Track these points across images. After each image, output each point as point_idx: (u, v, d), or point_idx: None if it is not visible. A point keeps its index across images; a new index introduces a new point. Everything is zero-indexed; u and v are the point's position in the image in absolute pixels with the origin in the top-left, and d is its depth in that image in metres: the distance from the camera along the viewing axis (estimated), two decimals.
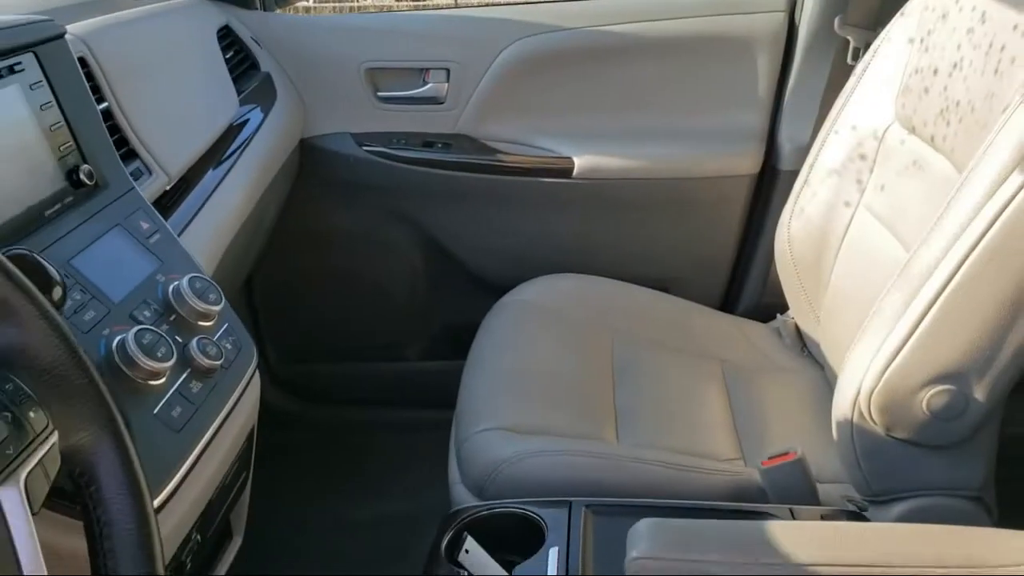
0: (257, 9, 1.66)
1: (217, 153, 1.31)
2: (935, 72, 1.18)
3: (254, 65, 1.57)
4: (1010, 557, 0.65)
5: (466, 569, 0.94)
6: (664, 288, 1.58)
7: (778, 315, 1.52)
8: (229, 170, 1.29)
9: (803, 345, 1.48)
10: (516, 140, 1.64)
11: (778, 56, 1.58)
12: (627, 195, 1.63)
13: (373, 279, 1.78)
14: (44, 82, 0.89)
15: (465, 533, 0.97)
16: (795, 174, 1.41)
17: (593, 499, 1.01)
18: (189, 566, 0.93)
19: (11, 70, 0.85)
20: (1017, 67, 0.98)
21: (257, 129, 1.44)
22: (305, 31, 1.66)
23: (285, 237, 1.66)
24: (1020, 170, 0.90)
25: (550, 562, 0.93)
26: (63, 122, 0.90)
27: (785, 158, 1.59)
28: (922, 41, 1.23)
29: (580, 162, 1.61)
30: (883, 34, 1.32)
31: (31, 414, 0.51)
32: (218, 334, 0.91)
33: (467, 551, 0.96)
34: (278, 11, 1.71)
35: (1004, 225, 0.90)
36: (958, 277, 0.93)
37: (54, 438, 0.52)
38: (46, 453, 0.51)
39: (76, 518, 0.60)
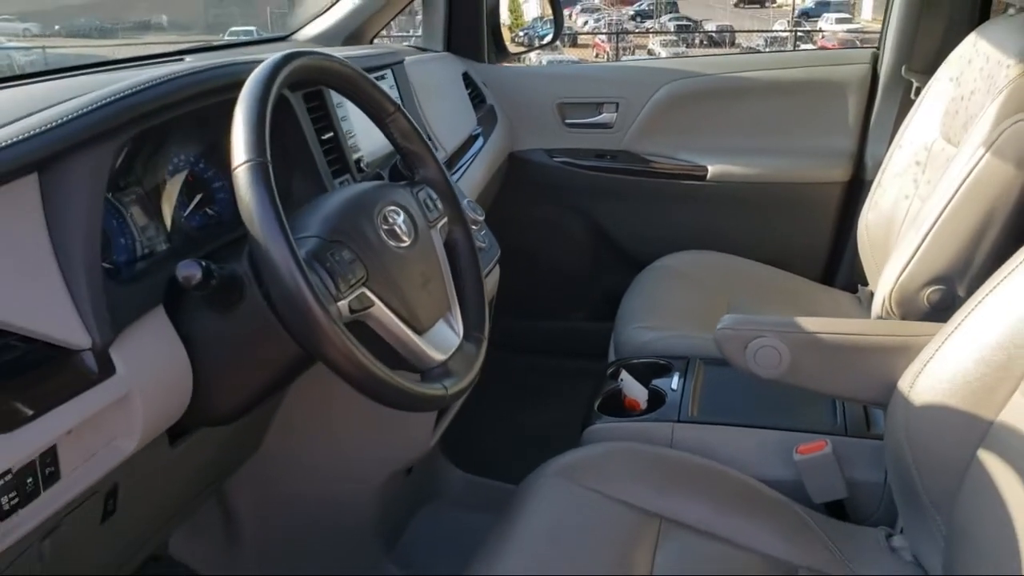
0: (485, 62, 2.35)
1: (462, 152, 1.97)
2: (962, 98, 1.70)
3: (483, 99, 2.25)
4: (931, 330, 1.18)
5: (621, 388, 1.52)
6: (774, 265, 2.11)
7: (859, 286, 2.03)
8: (469, 165, 1.94)
9: None
10: (665, 154, 2.25)
11: (864, 95, 2.13)
12: (747, 194, 2.19)
13: (551, 255, 2.39)
14: (395, 86, 1.57)
15: (621, 368, 1.55)
16: None
17: (707, 356, 1.57)
18: None
19: (381, 77, 1.53)
20: (995, 86, 1.51)
21: (484, 143, 2.10)
22: (517, 77, 2.35)
23: (490, 221, 2.29)
24: (983, 146, 1.42)
25: (673, 380, 1.50)
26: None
27: (869, 171, 2.11)
28: (956, 79, 1.75)
29: (712, 169, 2.20)
30: (934, 76, 1.85)
31: (439, 205, 1.14)
32: (481, 233, 1.54)
33: (621, 380, 1.54)
34: (499, 64, 2.41)
35: (972, 180, 1.42)
36: (944, 214, 1.44)
37: (446, 219, 1.15)
38: (444, 223, 1.14)
39: None
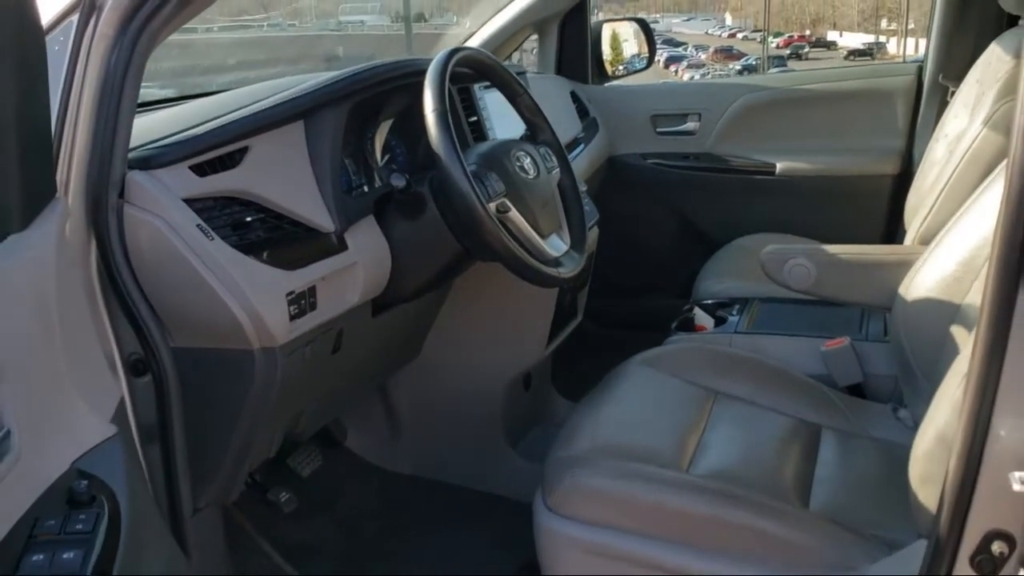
0: (589, 83, 2.83)
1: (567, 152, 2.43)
2: (983, 94, 2.07)
3: (587, 112, 2.72)
4: (922, 249, 1.57)
5: (693, 317, 1.94)
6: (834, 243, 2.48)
7: None
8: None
9: None
10: (740, 155, 2.67)
11: (911, 100, 2.51)
12: (810, 186, 2.58)
13: (644, 242, 2.81)
14: None
15: (695, 305, 1.97)
16: None
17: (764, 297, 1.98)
18: None
19: None
20: (997, 77, 1.88)
21: (585, 147, 2.56)
22: (616, 94, 2.82)
23: None
24: (982, 123, 1.80)
25: (734, 310, 1.91)
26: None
27: (915, 164, 2.48)
28: (980, 80, 2.12)
29: (780, 166, 2.60)
30: (964, 80, 2.22)
31: (554, 159, 1.61)
32: (584, 200, 1.99)
33: (694, 312, 1.96)
34: (600, 85, 2.89)
35: (973, 150, 1.79)
36: (952, 177, 1.82)
37: (557, 168, 1.61)
38: (556, 171, 1.61)
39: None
